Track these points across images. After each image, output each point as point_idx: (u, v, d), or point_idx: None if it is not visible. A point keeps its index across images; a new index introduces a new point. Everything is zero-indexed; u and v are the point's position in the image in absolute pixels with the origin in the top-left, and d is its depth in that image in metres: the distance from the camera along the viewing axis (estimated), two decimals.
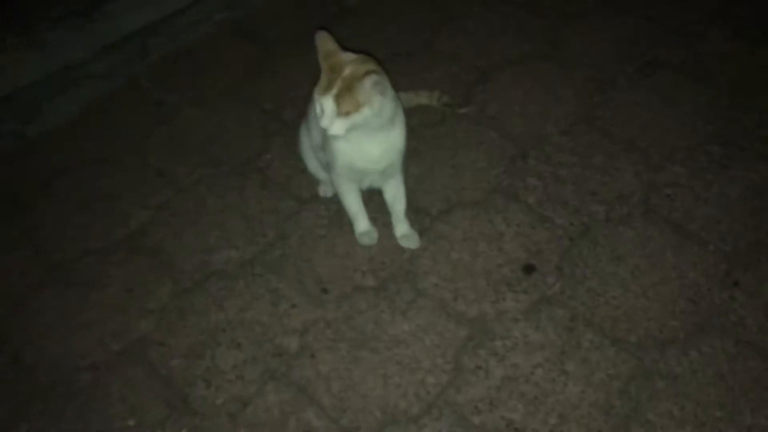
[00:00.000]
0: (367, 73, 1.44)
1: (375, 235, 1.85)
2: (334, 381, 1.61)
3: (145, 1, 2.49)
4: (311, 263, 1.84)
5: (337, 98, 1.45)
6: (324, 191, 1.98)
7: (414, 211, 1.89)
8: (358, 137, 1.55)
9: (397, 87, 1.63)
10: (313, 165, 1.91)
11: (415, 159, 2.03)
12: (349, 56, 1.51)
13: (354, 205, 1.80)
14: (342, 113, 1.46)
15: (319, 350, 1.66)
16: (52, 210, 2.04)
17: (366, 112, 1.47)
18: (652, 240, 1.83)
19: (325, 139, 1.63)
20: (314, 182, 1.99)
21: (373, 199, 1.89)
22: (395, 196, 1.80)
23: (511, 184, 1.98)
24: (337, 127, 1.48)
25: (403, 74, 2.24)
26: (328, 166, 1.74)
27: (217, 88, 2.37)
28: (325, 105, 1.46)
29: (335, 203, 1.94)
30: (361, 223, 1.84)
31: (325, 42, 1.51)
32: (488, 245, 1.84)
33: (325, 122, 1.47)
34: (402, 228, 1.84)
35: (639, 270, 1.77)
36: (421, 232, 1.87)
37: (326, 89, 1.46)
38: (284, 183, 2.05)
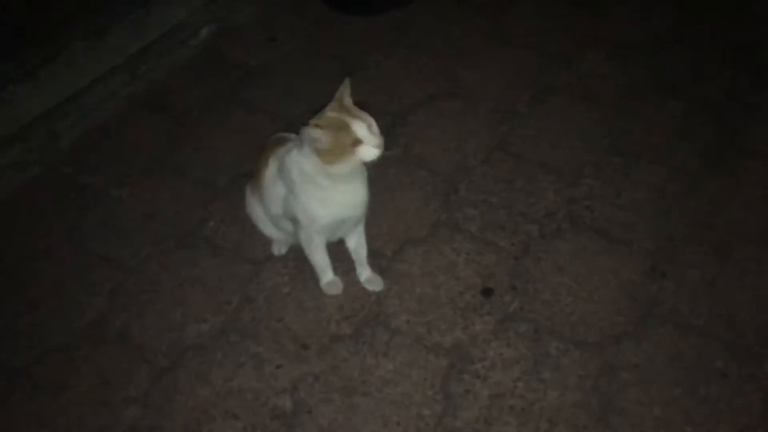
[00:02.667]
0: None
1: (340, 284, 1.93)
2: (337, 431, 1.67)
3: (43, 85, 2.42)
4: (284, 322, 1.89)
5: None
6: (278, 249, 2.04)
7: (370, 255, 1.99)
8: (356, 180, 1.69)
9: None
10: (264, 225, 1.96)
11: None
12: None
13: (324, 258, 1.88)
14: None
15: (314, 405, 1.72)
16: None
17: None
18: (584, 248, 2.04)
19: (297, 199, 1.70)
20: (266, 242, 2.05)
21: (329, 249, 1.97)
22: (359, 242, 1.90)
23: (450, 217, 2.14)
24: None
25: None
26: (296, 227, 1.79)
27: (140, 165, 2.35)
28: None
29: (291, 259, 2.00)
30: (328, 273, 1.92)
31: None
32: (445, 276, 1.98)
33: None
34: (366, 272, 1.94)
35: (581, 277, 1.97)
36: (382, 273, 1.97)
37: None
38: (235, 248, 2.08)
